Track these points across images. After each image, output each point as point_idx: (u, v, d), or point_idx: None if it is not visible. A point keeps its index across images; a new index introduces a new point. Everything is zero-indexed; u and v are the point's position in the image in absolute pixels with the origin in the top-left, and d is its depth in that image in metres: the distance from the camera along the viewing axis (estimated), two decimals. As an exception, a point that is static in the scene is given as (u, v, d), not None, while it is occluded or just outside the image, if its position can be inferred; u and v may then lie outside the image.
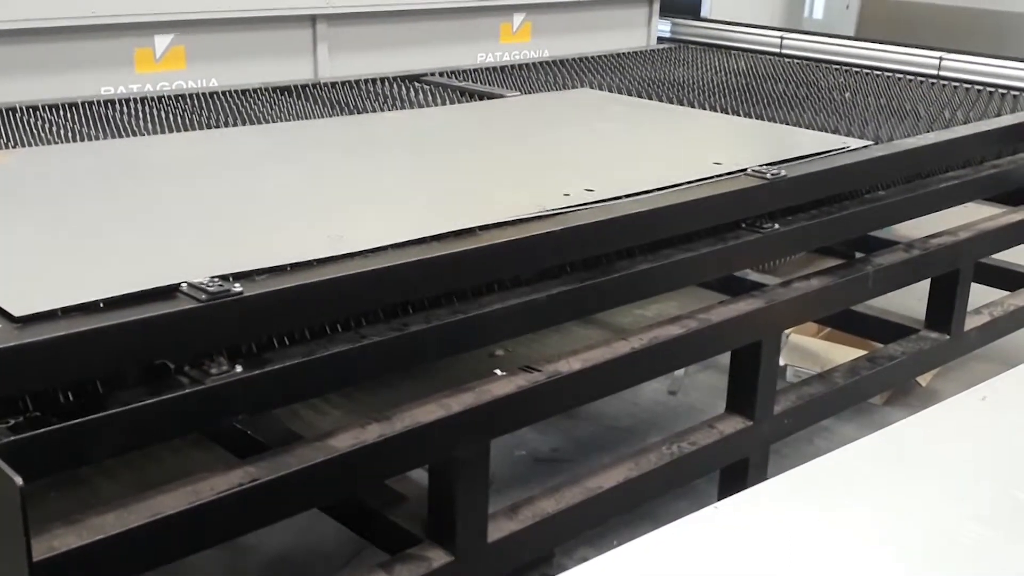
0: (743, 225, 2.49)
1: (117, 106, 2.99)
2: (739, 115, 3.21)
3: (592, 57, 4.16)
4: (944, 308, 3.14)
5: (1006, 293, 3.54)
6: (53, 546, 1.48)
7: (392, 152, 2.66)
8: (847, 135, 2.95)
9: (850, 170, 2.68)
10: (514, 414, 2.06)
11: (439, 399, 1.95)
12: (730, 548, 1.26)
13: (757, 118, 3.17)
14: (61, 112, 2.88)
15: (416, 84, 3.53)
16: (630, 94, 3.49)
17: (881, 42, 4.31)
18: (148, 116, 2.90)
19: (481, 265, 1.99)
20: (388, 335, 1.87)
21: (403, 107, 3.21)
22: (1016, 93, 3.67)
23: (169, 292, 1.64)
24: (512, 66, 3.93)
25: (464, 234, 1.99)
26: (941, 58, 4.05)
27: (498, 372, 2.07)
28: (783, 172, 2.49)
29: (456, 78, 3.67)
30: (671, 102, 3.37)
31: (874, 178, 2.84)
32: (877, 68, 4.11)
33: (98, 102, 3.00)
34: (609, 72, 3.89)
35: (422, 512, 2.07)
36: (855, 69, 4.10)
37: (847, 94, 3.61)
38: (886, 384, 3.29)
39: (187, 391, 1.63)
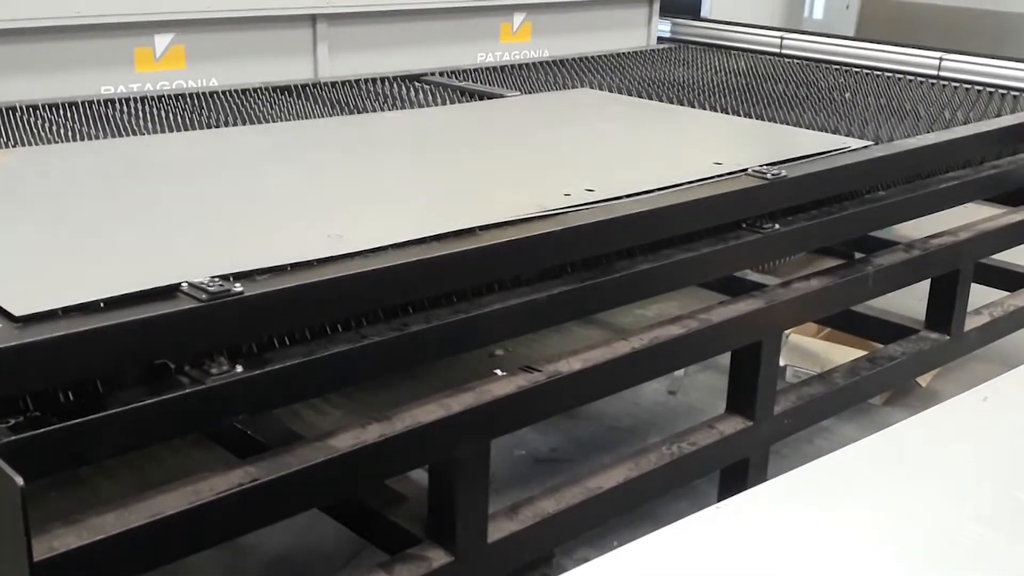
0: (743, 225, 2.49)
1: (117, 105, 2.98)
2: (739, 115, 3.21)
3: (592, 57, 4.16)
4: (944, 308, 3.14)
5: (1006, 293, 3.54)
6: (53, 546, 1.47)
7: (392, 152, 2.66)
8: (847, 135, 2.95)
9: (850, 170, 2.68)
10: (514, 414, 2.06)
11: (439, 399, 1.95)
12: (731, 549, 1.26)
13: (757, 118, 3.17)
14: (61, 111, 2.88)
15: (416, 84, 3.53)
16: (630, 94, 3.49)
17: (881, 42, 4.31)
18: (148, 115, 2.90)
19: (481, 265, 1.98)
20: (388, 335, 1.86)
21: (403, 107, 3.21)
22: (1016, 93, 3.67)
23: (169, 292, 1.64)
24: (512, 66, 3.93)
25: (464, 234, 1.99)
26: (941, 58, 4.05)
27: (498, 372, 2.07)
28: (783, 172, 2.49)
29: (456, 78, 3.67)
30: (671, 102, 3.37)
31: (874, 178, 2.84)
32: (877, 68, 4.11)
33: (98, 101, 3.00)
34: (609, 72, 3.89)
35: (422, 512, 2.07)
36: (855, 69, 4.10)
37: (847, 94, 3.61)
38: (886, 384, 3.29)
39: (187, 391, 1.62)
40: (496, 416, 2.00)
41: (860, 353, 3.19)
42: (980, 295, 3.40)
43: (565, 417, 3.35)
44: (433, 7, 3.80)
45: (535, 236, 2.03)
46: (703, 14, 5.00)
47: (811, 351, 3.77)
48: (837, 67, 4.14)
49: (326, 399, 2.16)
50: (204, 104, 3.08)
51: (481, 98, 3.38)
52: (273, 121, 2.93)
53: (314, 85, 3.41)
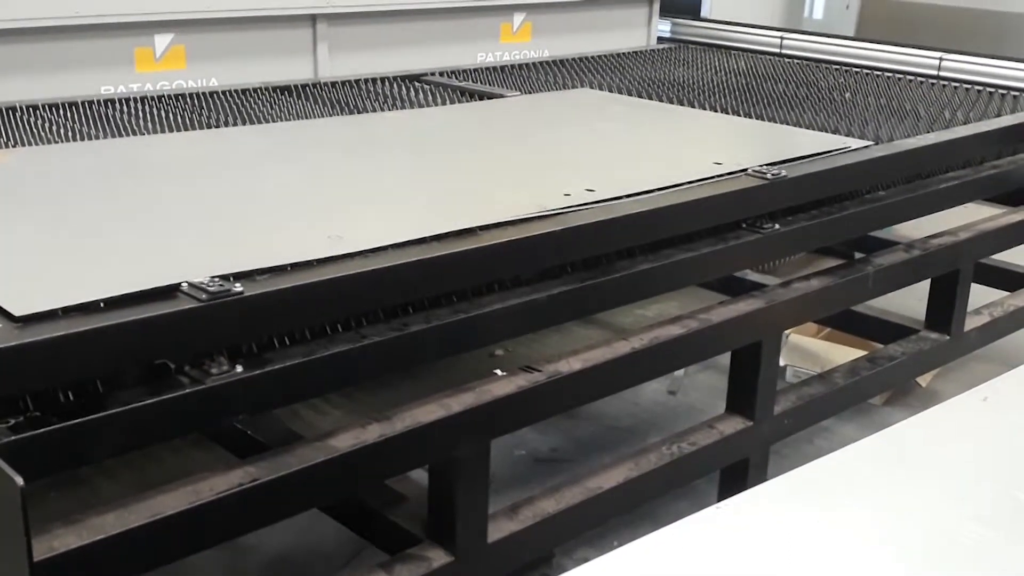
0: (743, 225, 2.49)
1: (117, 105, 2.98)
2: (739, 115, 3.21)
3: (592, 57, 4.16)
4: (944, 308, 3.14)
5: (1006, 293, 3.54)
6: (53, 546, 1.47)
7: (392, 152, 2.66)
8: (847, 135, 2.95)
9: (850, 170, 2.68)
10: (514, 414, 2.06)
11: (439, 399, 1.95)
12: (731, 549, 1.26)
13: (757, 118, 3.17)
14: (61, 111, 2.88)
15: (416, 84, 3.53)
16: (630, 94, 3.49)
17: (881, 42, 4.31)
18: (148, 115, 2.90)
19: (481, 265, 1.98)
20: (388, 335, 1.86)
21: (403, 107, 3.21)
22: (1016, 93, 3.67)
23: (169, 292, 1.64)
24: (512, 66, 3.93)
25: (464, 234, 1.99)
26: (941, 58, 4.05)
27: (498, 372, 2.07)
28: (783, 172, 2.49)
29: (456, 78, 3.67)
30: (671, 102, 3.37)
31: (874, 178, 2.84)
32: (877, 68, 4.11)
33: (98, 101, 3.00)
34: (609, 72, 3.89)
35: (422, 512, 2.07)
36: (855, 69, 4.10)
37: (847, 94, 3.61)
38: (886, 384, 3.29)
39: (187, 391, 1.62)
40: (496, 416, 2.00)
41: (860, 353, 3.19)
42: (980, 295, 3.40)
43: (565, 417, 3.35)
44: (433, 7, 3.80)
45: (535, 236, 2.03)
46: (703, 14, 5.00)
47: (811, 351, 3.77)
48: (837, 67, 4.14)
49: (326, 399, 2.16)
50: (204, 104, 3.08)
51: (481, 98, 3.38)
52: (273, 121, 2.93)
53: (314, 85, 3.41)
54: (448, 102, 3.30)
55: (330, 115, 3.05)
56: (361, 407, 2.10)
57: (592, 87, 3.61)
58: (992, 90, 3.73)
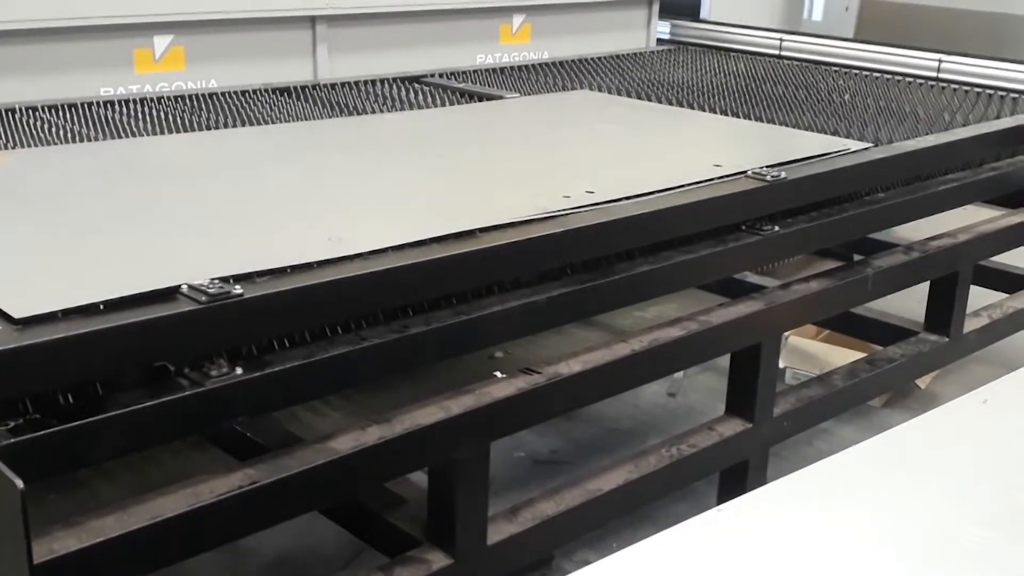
0: (743, 227, 2.49)
1: (116, 107, 2.98)
2: (739, 117, 3.21)
3: (592, 59, 4.16)
4: (943, 310, 3.14)
5: (1005, 295, 3.54)
6: (53, 549, 1.47)
7: (392, 154, 2.66)
8: (847, 137, 2.95)
9: (850, 172, 2.68)
10: (514, 416, 2.05)
11: (439, 401, 1.95)
12: (733, 552, 1.26)
13: (757, 120, 3.17)
14: (60, 113, 2.88)
15: (416, 85, 3.52)
16: (630, 96, 3.49)
17: (880, 44, 4.31)
18: (147, 117, 2.90)
19: (481, 267, 1.98)
20: (388, 337, 1.86)
21: (403, 108, 3.21)
22: (1015, 96, 3.67)
23: (169, 294, 1.64)
24: (512, 67, 3.93)
25: (464, 236, 1.99)
26: (940, 60, 4.06)
27: (498, 374, 2.07)
28: (783, 174, 2.49)
29: (456, 79, 3.67)
30: (671, 104, 3.37)
31: (874, 180, 2.84)
32: (876, 70, 4.12)
33: (97, 103, 3.00)
34: (609, 74, 3.89)
35: (422, 514, 2.07)
36: (854, 71, 4.10)
37: (846, 96, 3.61)
38: (885, 386, 3.29)
39: (187, 393, 1.62)
40: (496, 418, 2.00)
41: (859, 355, 3.19)
42: (979, 297, 3.40)
43: (565, 419, 3.35)
44: (432, 9, 3.80)
45: (535, 238, 2.03)
46: (702, 16, 5.00)
47: (810, 353, 3.77)
48: (836, 69, 4.14)
49: (326, 401, 2.16)
50: (203, 106, 3.07)
51: (481, 100, 3.38)
52: (273, 123, 2.93)
53: (313, 87, 3.41)
54: (447, 104, 3.30)
55: (330, 116, 3.05)
56: (361, 409, 2.10)
57: (591, 89, 3.61)
58: (991, 92, 3.73)
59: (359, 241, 1.90)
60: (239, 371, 1.68)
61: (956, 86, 3.84)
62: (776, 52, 4.47)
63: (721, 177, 2.46)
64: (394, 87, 3.47)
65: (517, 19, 4.13)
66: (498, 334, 2.09)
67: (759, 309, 2.50)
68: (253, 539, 2.35)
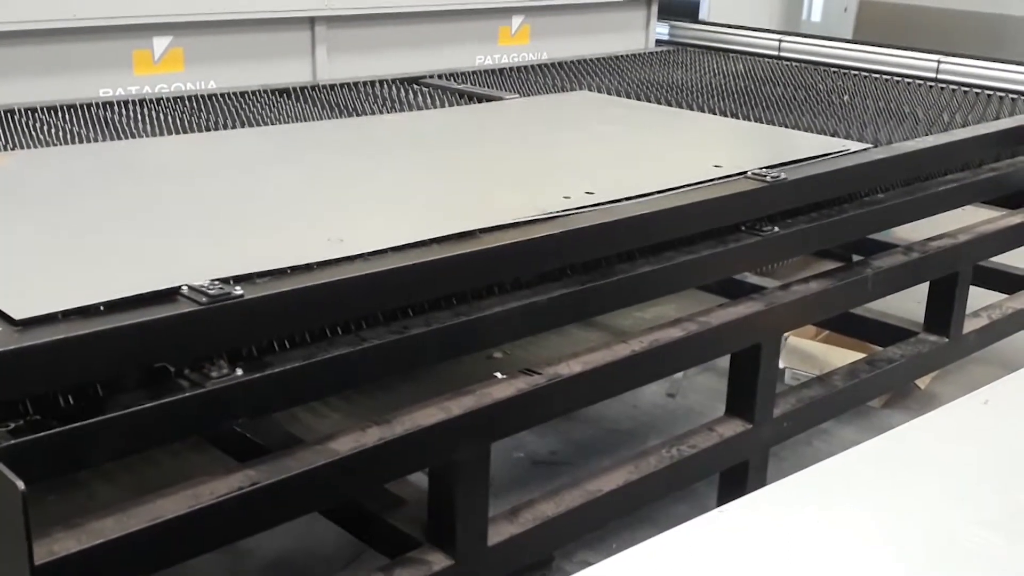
0: (743, 228, 2.49)
1: (115, 108, 2.98)
2: (738, 118, 3.21)
3: (591, 60, 4.16)
4: (943, 311, 3.14)
5: (1005, 296, 3.54)
6: (53, 550, 1.47)
7: (391, 154, 2.66)
8: (846, 138, 2.95)
9: (850, 173, 2.68)
10: (514, 417, 2.05)
11: (439, 402, 1.95)
12: (733, 553, 1.26)
13: (756, 121, 3.17)
14: (59, 114, 2.88)
15: (415, 86, 3.52)
16: (629, 97, 3.49)
17: (879, 45, 4.32)
18: (147, 118, 2.90)
19: (481, 268, 1.98)
20: (388, 338, 1.86)
21: (402, 109, 3.21)
22: (1015, 96, 3.67)
23: (169, 295, 1.64)
24: (511, 68, 3.93)
25: (464, 237, 1.99)
26: (939, 61, 4.06)
27: (498, 375, 2.07)
28: (783, 175, 2.49)
29: (455, 80, 3.67)
30: (670, 105, 3.37)
31: (873, 181, 2.84)
32: (876, 71, 4.12)
33: (96, 104, 2.99)
34: (608, 74, 3.89)
35: (422, 515, 2.07)
36: (854, 72, 4.10)
37: (846, 97, 3.61)
38: (885, 387, 3.29)
39: (187, 394, 1.62)
40: (496, 419, 2.00)
41: (859, 355, 3.19)
42: (979, 298, 3.40)
43: (564, 420, 3.35)
44: (431, 10, 3.80)
45: (535, 239, 2.03)
46: (701, 17, 5.01)
47: (810, 354, 3.77)
48: (836, 70, 4.14)
49: (326, 402, 2.16)
50: (203, 107, 3.07)
51: (480, 101, 3.38)
52: (272, 124, 2.92)
53: (313, 88, 3.41)
54: (447, 104, 3.30)
55: (329, 118, 3.05)
56: (361, 410, 2.10)
57: (591, 89, 3.61)
58: (991, 93, 3.73)
59: (359, 242, 1.90)
60: (239, 372, 1.68)
61: (955, 87, 3.84)
62: (775, 53, 4.48)
63: (721, 178, 2.46)
64: (393, 88, 3.47)
65: (516, 20, 4.13)
66: (498, 335, 2.09)
67: (759, 310, 2.50)
68: (253, 540, 2.35)
